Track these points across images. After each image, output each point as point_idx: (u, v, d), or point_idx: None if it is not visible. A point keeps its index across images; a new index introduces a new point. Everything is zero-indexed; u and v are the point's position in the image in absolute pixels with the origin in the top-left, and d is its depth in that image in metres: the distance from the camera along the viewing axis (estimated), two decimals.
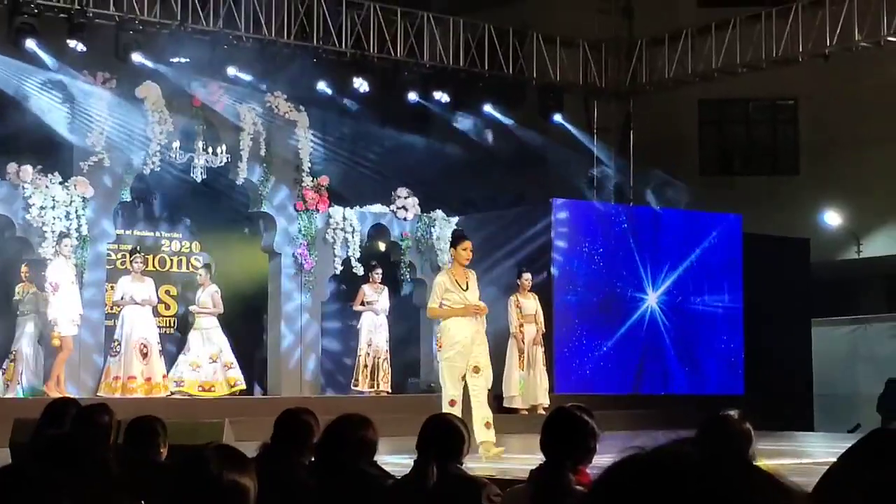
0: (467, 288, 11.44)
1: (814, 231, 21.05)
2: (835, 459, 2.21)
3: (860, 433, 2.71)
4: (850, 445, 2.59)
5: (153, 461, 5.65)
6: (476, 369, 11.31)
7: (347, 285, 17.74)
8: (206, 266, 16.74)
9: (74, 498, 2.31)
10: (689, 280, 18.15)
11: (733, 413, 4.74)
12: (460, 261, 11.48)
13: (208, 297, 16.21)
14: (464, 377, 11.25)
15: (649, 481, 1.52)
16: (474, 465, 5.52)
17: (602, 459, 4.56)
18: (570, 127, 20.30)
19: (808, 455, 12.41)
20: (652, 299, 17.81)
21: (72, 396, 11.12)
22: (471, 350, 11.30)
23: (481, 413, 11.25)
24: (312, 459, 5.04)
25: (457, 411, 10.44)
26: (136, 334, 15.37)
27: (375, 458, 4.98)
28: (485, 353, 11.44)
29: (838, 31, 17.53)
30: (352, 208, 17.44)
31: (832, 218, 21.78)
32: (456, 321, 11.34)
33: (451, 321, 11.38)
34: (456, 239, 11.79)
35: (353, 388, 16.86)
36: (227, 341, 16.26)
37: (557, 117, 20.06)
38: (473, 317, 11.40)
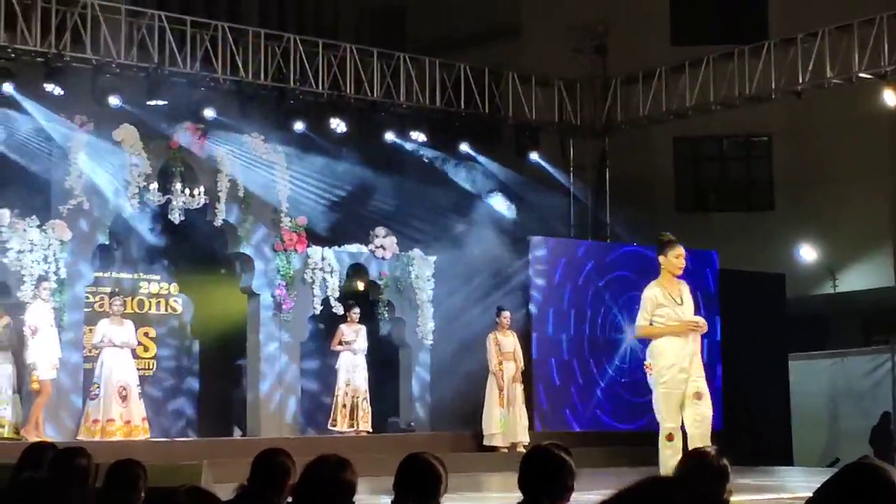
0: (682, 302, 9.98)
1: (789, 266, 21.17)
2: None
3: (839, 468, 2.75)
4: (825, 480, 2.64)
5: None
6: (698, 395, 9.86)
7: (326, 325, 17.73)
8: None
9: None
10: None
11: (711, 449, 4.76)
12: (672, 270, 9.99)
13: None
14: (682, 405, 9.85)
15: None
16: None
17: (581, 497, 4.58)
18: (546, 165, 20.37)
19: (787, 490, 12.44)
20: (630, 336, 17.83)
21: (50, 440, 11.08)
22: (689, 373, 9.86)
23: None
24: (290, 500, 5.03)
25: (677, 446, 9.56)
26: (115, 377, 15.31)
27: (354, 499, 4.98)
28: (703, 377, 9.97)
29: (810, 67, 17.69)
30: (330, 248, 17.45)
31: (807, 253, 21.91)
32: (670, 341, 9.87)
33: (663, 341, 9.90)
34: (665, 245, 10.06)
35: (330, 427, 16.80)
36: None
37: (534, 155, 20.12)
38: (689, 335, 9.96)
